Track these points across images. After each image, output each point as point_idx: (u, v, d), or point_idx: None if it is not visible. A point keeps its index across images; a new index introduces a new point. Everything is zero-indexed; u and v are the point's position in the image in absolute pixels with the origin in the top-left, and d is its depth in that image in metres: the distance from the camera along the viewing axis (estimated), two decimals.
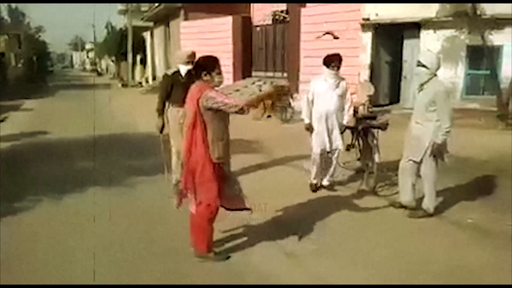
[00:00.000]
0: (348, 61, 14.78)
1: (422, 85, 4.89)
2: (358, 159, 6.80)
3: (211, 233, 4.20)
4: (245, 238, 4.65)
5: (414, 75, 11.83)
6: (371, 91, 13.17)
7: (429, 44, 12.87)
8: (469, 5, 11.99)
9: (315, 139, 6.03)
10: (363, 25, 14.30)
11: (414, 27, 13.58)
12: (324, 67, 5.91)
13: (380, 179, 6.19)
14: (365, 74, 14.35)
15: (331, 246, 4.47)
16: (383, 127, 6.19)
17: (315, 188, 6.23)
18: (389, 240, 4.59)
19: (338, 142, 6.01)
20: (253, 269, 4.06)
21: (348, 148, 6.83)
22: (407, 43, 14.19)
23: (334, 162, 6.22)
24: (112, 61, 44.67)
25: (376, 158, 5.94)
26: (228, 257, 4.25)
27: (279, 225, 5.06)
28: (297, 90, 15.26)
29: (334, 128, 5.96)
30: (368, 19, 14.12)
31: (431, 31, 13.28)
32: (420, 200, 5.21)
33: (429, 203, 5.10)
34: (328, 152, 6.09)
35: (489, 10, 11.96)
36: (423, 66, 4.79)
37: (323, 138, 5.96)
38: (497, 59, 12.48)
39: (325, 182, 6.30)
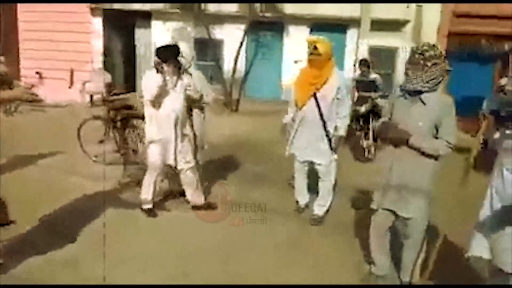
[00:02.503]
0: (80, 47, 13.99)
1: None
2: (117, 151, 6.34)
3: None
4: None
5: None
6: (107, 79, 12.63)
7: (159, 34, 13.20)
8: None
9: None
10: (92, 9, 13.49)
11: (147, 17, 13.68)
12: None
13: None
14: (99, 62, 13.66)
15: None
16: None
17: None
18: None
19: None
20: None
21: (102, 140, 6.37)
22: (139, 32, 14.20)
23: None
24: None
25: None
26: None
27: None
28: (18, 77, 13.25)
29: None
30: (97, 3, 13.39)
31: (160, 22, 13.66)
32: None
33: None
34: None
35: (212, 6, 13.15)
36: (182, 56, 4.75)
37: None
38: (220, 52, 13.91)
39: None
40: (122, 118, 6.14)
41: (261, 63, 14.67)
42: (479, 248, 2.52)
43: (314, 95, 4.23)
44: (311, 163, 4.56)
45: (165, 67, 4.32)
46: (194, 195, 4.82)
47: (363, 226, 4.39)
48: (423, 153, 3.02)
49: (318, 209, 4.63)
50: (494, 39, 14.86)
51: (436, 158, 3.05)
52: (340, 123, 4.35)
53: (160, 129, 4.44)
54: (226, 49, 13.99)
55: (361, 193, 5.33)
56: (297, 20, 14.16)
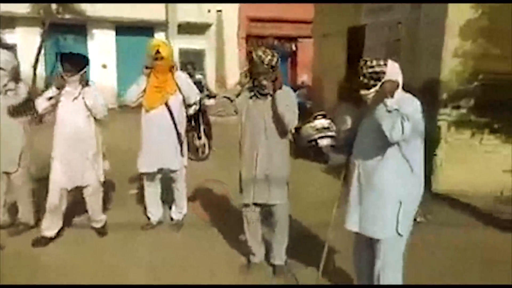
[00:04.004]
0: None
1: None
2: None
3: None
4: None
5: None
6: None
7: None
8: None
9: None
10: None
11: None
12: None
13: None
14: None
15: None
16: None
17: None
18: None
19: None
20: None
21: None
22: None
23: None
24: None
25: None
26: None
27: None
28: None
29: None
30: None
31: None
32: None
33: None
34: None
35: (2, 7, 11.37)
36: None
37: None
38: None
39: None
40: None
41: None
42: (350, 223, 2.91)
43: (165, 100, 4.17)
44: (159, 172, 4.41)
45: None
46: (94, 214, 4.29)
47: (224, 222, 4.59)
48: (283, 135, 3.36)
49: (177, 215, 4.60)
50: (285, 40, 17.02)
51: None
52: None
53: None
54: (20, 54, 12.31)
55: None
56: (101, 22, 13.48)
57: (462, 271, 3.66)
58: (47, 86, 12.89)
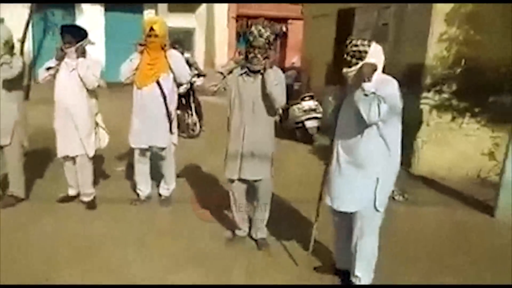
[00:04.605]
0: None
1: None
2: None
3: None
4: None
5: None
6: None
7: None
8: None
9: None
10: None
11: None
12: None
13: None
14: None
15: None
16: None
17: None
18: None
19: None
20: None
21: None
22: None
23: None
24: None
25: None
26: None
27: None
28: None
29: None
30: None
31: None
32: None
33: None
34: None
35: None
36: None
37: None
38: None
39: None
40: None
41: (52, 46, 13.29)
42: (330, 199, 3.07)
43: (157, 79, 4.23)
44: (149, 149, 4.50)
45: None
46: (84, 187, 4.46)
47: (207, 199, 4.73)
48: (271, 114, 3.48)
49: (165, 192, 4.71)
50: (275, 22, 16.96)
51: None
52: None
53: None
54: None
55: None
56: None
57: (439, 249, 3.87)
58: (34, 61, 12.77)
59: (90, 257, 3.49)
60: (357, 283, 3.03)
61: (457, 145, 5.74)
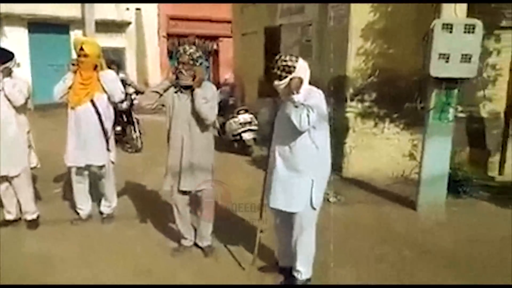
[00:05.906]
0: None
1: None
2: None
3: None
4: None
5: None
6: None
7: None
8: None
9: None
10: None
11: None
12: None
13: None
14: None
15: None
16: None
17: None
18: None
19: None
20: None
21: None
22: None
23: None
24: None
25: None
26: None
27: None
28: None
29: None
30: None
31: None
32: None
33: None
34: None
35: None
36: None
37: None
38: None
39: None
40: None
41: None
42: (272, 201, 3.31)
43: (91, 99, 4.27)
44: (87, 168, 4.51)
45: None
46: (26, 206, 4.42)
47: (150, 211, 4.81)
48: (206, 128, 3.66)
49: (107, 209, 4.71)
50: (206, 39, 17.28)
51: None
52: None
53: None
54: None
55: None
56: (12, 19, 12.78)
57: (370, 240, 4.25)
58: None
59: (35, 277, 3.46)
60: (299, 277, 3.31)
61: (381, 148, 6.27)
